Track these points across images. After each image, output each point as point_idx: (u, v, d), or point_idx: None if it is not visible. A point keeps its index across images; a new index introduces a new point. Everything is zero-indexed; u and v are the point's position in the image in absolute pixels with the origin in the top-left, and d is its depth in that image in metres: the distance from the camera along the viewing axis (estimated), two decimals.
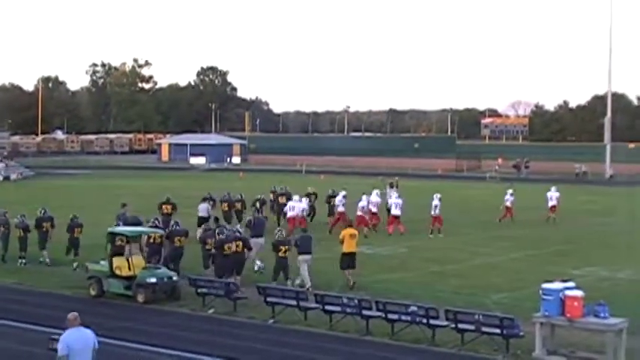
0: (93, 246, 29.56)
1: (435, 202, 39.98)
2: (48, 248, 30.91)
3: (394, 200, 40.55)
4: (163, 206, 37.63)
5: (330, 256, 29.28)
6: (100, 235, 27.64)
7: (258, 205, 39.26)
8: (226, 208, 40.62)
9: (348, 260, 27.09)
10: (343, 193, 41.54)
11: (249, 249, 27.00)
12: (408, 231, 39.28)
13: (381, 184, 45.47)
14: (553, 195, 46.51)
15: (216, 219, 31.51)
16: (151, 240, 27.27)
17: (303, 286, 25.70)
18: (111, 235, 26.07)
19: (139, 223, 30.28)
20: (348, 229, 28.21)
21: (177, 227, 28.35)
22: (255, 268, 28.79)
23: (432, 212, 39.89)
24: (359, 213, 39.70)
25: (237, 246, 26.32)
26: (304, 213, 39.87)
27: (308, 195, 43.61)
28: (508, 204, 45.30)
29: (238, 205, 41.10)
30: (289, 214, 38.85)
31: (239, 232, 27.75)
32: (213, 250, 26.88)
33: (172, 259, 27.49)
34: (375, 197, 41.29)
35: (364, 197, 40.79)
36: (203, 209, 37.76)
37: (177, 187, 66.54)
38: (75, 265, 29.68)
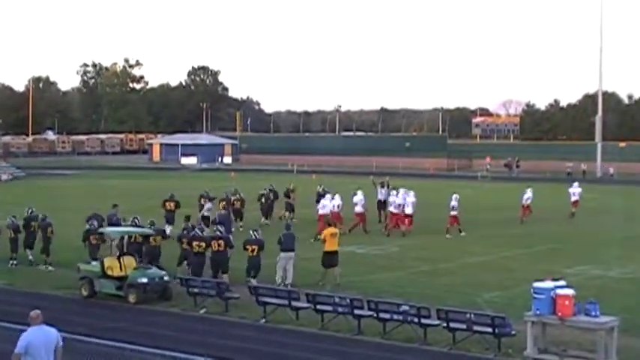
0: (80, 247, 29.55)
1: (453, 202, 39.97)
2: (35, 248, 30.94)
3: (412, 199, 40.23)
4: (166, 203, 38.18)
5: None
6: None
7: (263, 200, 41.55)
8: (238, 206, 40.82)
9: (331, 259, 27.42)
10: (361, 192, 41.23)
11: (231, 247, 26.95)
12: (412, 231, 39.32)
13: (374, 181, 45.38)
14: (575, 191, 48.25)
15: (187, 217, 31.24)
16: (132, 239, 27.27)
17: (292, 285, 26.03)
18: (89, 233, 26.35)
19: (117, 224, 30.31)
20: (329, 228, 28.57)
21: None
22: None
23: (451, 212, 39.84)
24: (336, 210, 39.48)
25: (218, 245, 26.37)
26: (339, 209, 39.88)
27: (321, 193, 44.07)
28: (528, 202, 45.73)
29: (237, 204, 41.23)
30: (320, 212, 38.92)
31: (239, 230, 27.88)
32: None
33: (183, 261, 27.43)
34: (359, 197, 40.96)
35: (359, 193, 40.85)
36: (207, 209, 38.08)
37: (168, 188, 66.35)
38: (45, 266, 30.01)
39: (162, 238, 28.60)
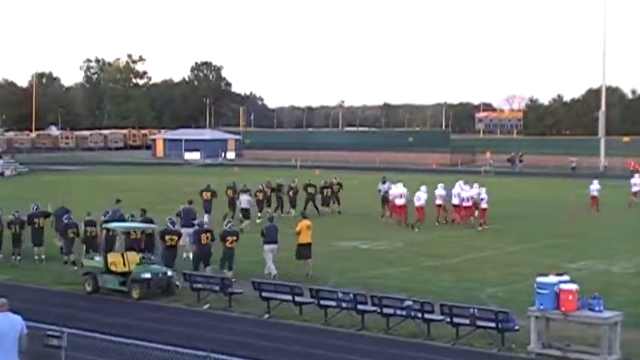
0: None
1: (483, 195, 40.55)
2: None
3: (440, 192, 41.36)
4: (203, 193, 40.83)
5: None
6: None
7: (291, 193, 43.87)
8: (261, 197, 42.24)
9: (304, 251, 27.92)
10: (424, 188, 41.63)
11: (213, 240, 27.19)
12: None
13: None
14: (594, 188, 48.99)
15: (178, 214, 31.64)
16: (132, 236, 27.31)
17: (271, 275, 26.58)
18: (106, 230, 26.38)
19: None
20: (304, 220, 28.96)
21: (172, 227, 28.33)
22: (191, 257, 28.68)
23: (481, 205, 40.48)
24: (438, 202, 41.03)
25: (206, 238, 26.79)
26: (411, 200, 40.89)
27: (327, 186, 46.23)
28: (595, 193, 47.63)
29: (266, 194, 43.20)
30: (417, 203, 40.06)
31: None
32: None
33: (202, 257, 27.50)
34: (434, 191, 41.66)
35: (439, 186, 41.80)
36: (245, 201, 39.57)
37: (172, 183, 66.55)
38: (38, 257, 30.36)
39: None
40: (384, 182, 44.56)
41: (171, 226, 27.19)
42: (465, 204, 40.60)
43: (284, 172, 63.30)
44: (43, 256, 30.60)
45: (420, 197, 40.44)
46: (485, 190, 41.12)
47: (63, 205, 33.41)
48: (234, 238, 27.02)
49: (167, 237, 26.33)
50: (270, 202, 43.84)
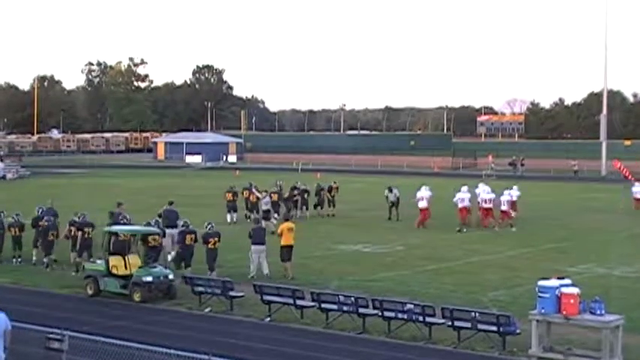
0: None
1: (506, 197, 41.25)
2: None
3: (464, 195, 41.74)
4: (227, 194, 43.57)
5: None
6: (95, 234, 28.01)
7: (306, 195, 45.19)
8: (275, 198, 42.79)
9: (287, 253, 27.98)
10: (465, 188, 42.23)
11: (196, 241, 27.61)
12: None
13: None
14: (638, 190, 51.10)
15: (159, 215, 32.09)
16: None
17: (269, 275, 26.96)
18: (109, 233, 26.27)
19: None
20: (286, 222, 29.15)
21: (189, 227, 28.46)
22: (169, 258, 28.88)
23: (502, 207, 41.18)
24: (503, 208, 41.53)
25: (191, 239, 27.31)
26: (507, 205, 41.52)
27: (328, 188, 47.09)
28: (638, 196, 49.29)
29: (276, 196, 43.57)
30: (459, 205, 41.02)
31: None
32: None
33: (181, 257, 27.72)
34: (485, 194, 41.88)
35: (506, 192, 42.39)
36: (265, 202, 40.72)
37: (173, 186, 66.60)
38: (16, 260, 30.56)
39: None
40: (390, 190, 44.73)
41: (155, 227, 27.66)
42: (487, 205, 41.19)
43: (283, 176, 63.29)
44: (45, 260, 30.57)
45: (464, 198, 41.24)
46: (514, 192, 42.40)
47: (52, 206, 33.56)
48: (216, 239, 27.48)
49: (150, 237, 26.43)
50: (294, 203, 45.15)
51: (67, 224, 30.42)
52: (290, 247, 28.17)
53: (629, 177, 74.64)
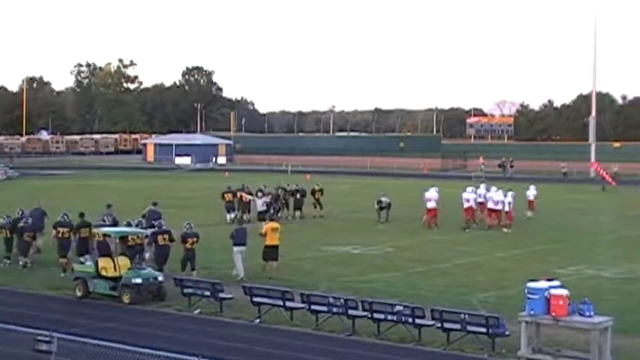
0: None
1: (509, 198, 41.81)
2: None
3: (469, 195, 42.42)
4: (225, 195, 44.31)
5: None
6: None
7: (299, 195, 45.57)
8: (268, 200, 43.01)
9: (271, 253, 28.17)
10: (470, 189, 42.94)
11: (172, 240, 27.66)
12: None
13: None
14: None
15: (143, 215, 32.36)
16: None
17: (239, 277, 26.97)
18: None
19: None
20: (270, 223, 29.39)
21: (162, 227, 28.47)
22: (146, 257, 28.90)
23: (506, 208, 41.67)
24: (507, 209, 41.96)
25: (163, 239, 27.36)
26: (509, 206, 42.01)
27: (311, 191, 47.28)
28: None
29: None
30: (465, 205, 41.81)
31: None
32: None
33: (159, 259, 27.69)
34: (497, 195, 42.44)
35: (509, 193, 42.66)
36: (261, 204, 41.28)
37: (162, 188, 66.46)
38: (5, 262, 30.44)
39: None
40: (380, 202, 44.67)
41: (135, 228, 27.95)
42: (496, 207, 41.74)
43: (272, 178, 63.26)
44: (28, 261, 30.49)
45: (469, 199, 41.93)
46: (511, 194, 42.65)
47: (39, 206, 33.50)
48: (195, 239, 27.61)
49: (129, 237, 26.43)
50: (286, 204, 45.80)
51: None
52: (275, 247, 28.27)
53: (608, 179, 75.27)
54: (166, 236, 27.59)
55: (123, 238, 26.23)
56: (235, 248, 27.89)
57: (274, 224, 29.19)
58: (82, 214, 30.39)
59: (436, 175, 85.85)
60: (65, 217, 29.96)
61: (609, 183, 74.90)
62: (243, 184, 45.73)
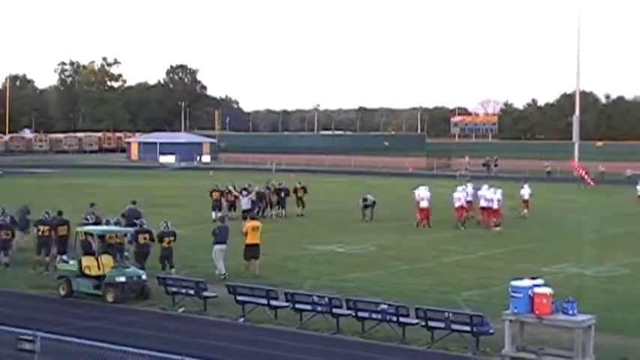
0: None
1: (498, 196, 42.04)
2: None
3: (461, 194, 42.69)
4: (212, 193, 44.60)
5: None
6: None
7: (283, 194, 45.88)
8: (254, 199, 43.57)
9: (252, 251, 28.14)
10: (460, 188, 43.24)
11: (152, 240, 27.65)
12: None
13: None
14: None
15: (122, 214, 32.52)
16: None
17: (221, 275, 27.08)
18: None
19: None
20: (251, 221, 29.32)
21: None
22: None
23: (495, 206, 41.88)
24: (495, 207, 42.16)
25: (144, 238, 27.35)
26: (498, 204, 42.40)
27: (293, 189, 47.31)
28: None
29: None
30: (456, 204, 42.00)
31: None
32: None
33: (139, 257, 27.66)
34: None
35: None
36: (246, 202, 41.79)
37: (147, 187, 66.28)
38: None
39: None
40: (365, 200, 44.80)
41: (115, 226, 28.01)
42: (490, 205, 41.99)
43: (257, 176, 63.17)
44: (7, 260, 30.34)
45: (460, 198, 42.08)
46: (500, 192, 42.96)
47: (27, 204, 33.59)
48: (172, 238, 27.62)
49: (107, 236, 26.39)
50: (270, 203, 45.80)
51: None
52: (256, 245, 28.23)
53: (586, 178, 75.61)
54: (147, 235, 27.55)
55: (102, 236, 26.15)
56: (216, 247, 27.86)
57: (255, 223, 29.14)
58: (60, 212, 30.27)
59: (421, 174, 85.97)
60: (46, 215, 29.89)
61: (588, 183, 75.25)
62: (231, 180, 45.79)
